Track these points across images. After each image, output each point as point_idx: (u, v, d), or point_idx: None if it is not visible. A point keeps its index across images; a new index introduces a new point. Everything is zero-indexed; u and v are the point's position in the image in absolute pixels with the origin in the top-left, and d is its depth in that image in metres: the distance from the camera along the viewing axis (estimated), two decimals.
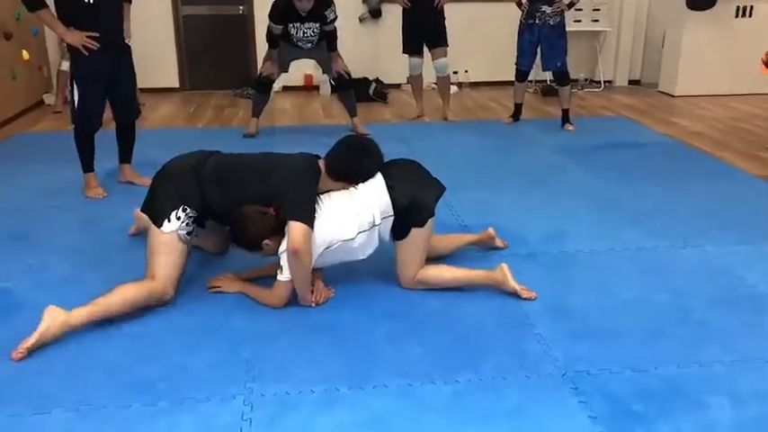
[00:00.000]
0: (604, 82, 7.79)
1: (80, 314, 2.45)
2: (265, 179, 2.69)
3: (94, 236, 3.41)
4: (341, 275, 2.87)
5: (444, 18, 5.84)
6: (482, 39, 7.56)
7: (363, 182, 2.76)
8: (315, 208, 2.63)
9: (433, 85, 6.68)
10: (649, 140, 5.43)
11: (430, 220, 2.77)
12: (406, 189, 2.73)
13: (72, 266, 3.04)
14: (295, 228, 2.54)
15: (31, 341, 2.34)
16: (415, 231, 2.73)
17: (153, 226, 2.68)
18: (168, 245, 2.65)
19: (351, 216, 2.67)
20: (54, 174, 4.39)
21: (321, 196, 2.73)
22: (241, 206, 2.64)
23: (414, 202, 2.72)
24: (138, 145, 4.29)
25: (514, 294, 2.75)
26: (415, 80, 6.15)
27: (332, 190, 2.76)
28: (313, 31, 5.20)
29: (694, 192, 4.10)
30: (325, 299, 2.74)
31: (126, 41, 4.01)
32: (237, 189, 2.69)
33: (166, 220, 2.65)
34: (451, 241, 3.15)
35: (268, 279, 2.74)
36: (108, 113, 4.03)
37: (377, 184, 2.74)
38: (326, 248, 2.66)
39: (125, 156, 4.24)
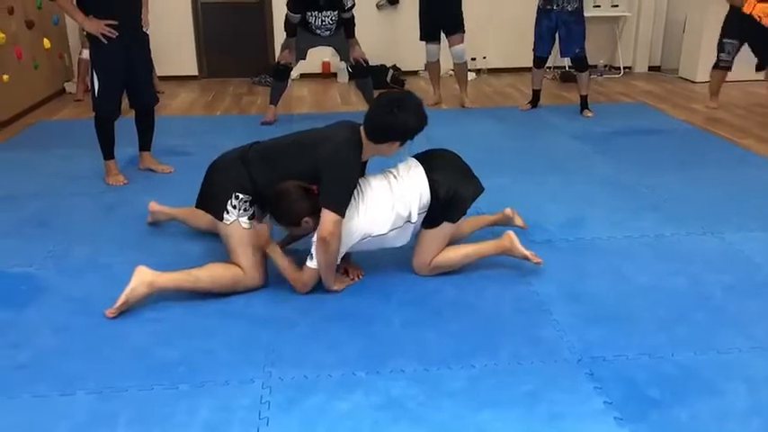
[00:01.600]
0: (624, 68, 7.71)
1: (168, 278, 2.56)
2: (308, 154, 2.64)
3: (115, 222, 3.46)
4: (359, 262, 2.89)
5: (461, 4, 5.81)
6: (500, 25, 7.51)
7: (405, 139, 2.66)
8: (350, 195, 2.60)
9: (451, 72, 6.65)
10: (669, 127, 5.38)
11: (462, 218, 2.79)
12: (449, 183, 2.70)
13: (94, 251, 3.09)
14: (327, 216, 2.53)
15: (120, 301, 2.47)
16: (445, 225, 2.74)
17: (216, 221, 2.70)
18: (236, 237, 2.67)
19: (387, 212, 2.66)
20: (75, 161, 4.45)
21: (361, 182, 2.70)
22: (284, 181, 2.60)
23: (454, 197, 2.70)
24: (158, 132, 4.33)
25: (525, 259, 2.78)
26: (432, 67, 6.14)
27: (380, 154, 2.71)
28: (331, 19, 5.20)
29: (714, 178, 4.06)
30: (351, 281, 2.79)
31: (144, 30, 4.04)
32: (282, 165, 2.65)
33: (225, 212, 2.66)
34: (472, 225, 3.14)
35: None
36: (126, 101, 4.07)
37: (418, 176, 2.71)
38: (360, 240, 2.67)
39: (145, 143, 4.28)
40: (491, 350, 2.32)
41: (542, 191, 3.87)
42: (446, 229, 2.76)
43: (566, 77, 7.19)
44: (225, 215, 2.67)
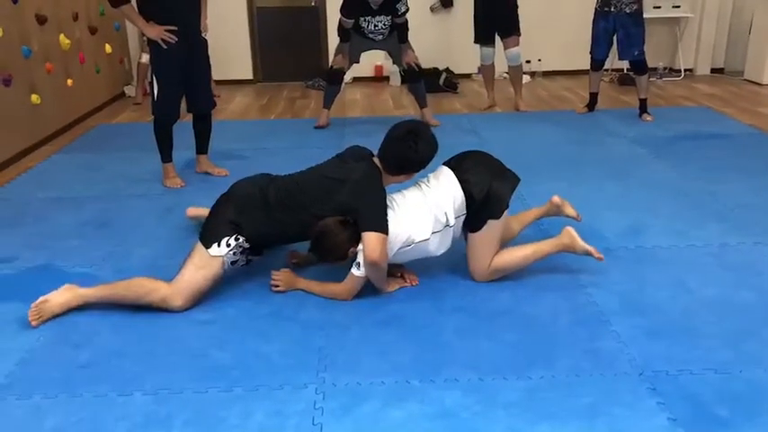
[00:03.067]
0: (685, 70, 7.48)
1: (91, 289, 2.64)
2: (332, 196, 2.63)
3: (172, 224, 3.52)
4: (411, 268, 2.86)
5: (517, 6, 5.73)
6: (556, 27, 7.38)
7: (421, 168, 2.71)
8: (386, 215, 2.60)
9: (505, 75, 6.57)
10: (733, 131, 5.18)
11: (505, 212, 2.73)
12: (481, 181, 2.68)
13: (151, 253, 3.15)
14: (370, 238, 2.53)
15: (37, 301, 2.57)
16: (491, 223, 2.69)
17: (200, 243, 2.65)
18: (208, 263, 2.61)
19: (425, 216, 2.65)
20: (135, 163, 4.55)
21: (394, 196, 2.71)
22: (317, 221, 2.60)
23: (490, 193, 2.67)
24: (214, 136, 4.39)
25: (587, 254, 2.72)
26: (486, 70, 6.07)
27: (396, 182, 2.76)
28: (384, 24, 5.19)
29: None
30: (405, 284, 2.80)
31: (203, 35, 4.10)
32: (308, 209, 2.64)
33: (216, 244, 2.62)
34: (521, 220, 3.08)
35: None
36: (184, 105, 4.14)
37: (449, 180, 2.70)
38: (402, 248, 2.65)
39: (202, 146, 4.35)
40: (548, 361, 2.26)
41: (600, 197, 3.77)
42: (493, 228, 2.71)
43: (624, 80, 7.02)
44: (213, 246, 2.61)
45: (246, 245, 2.67)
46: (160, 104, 3.98)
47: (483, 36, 5.84)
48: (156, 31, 3.82)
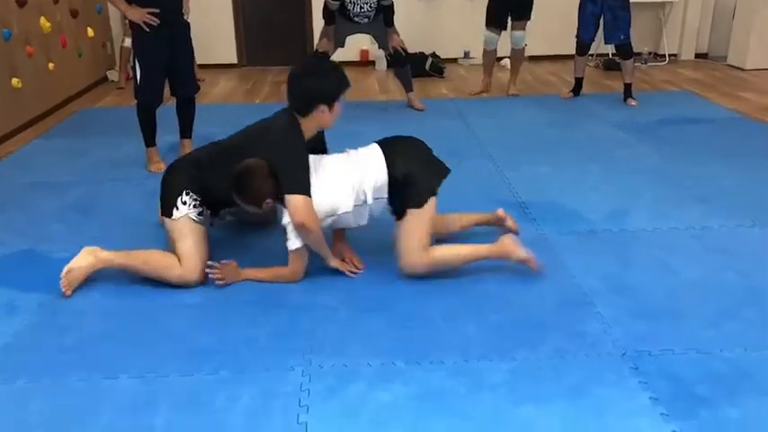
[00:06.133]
0: (669, 55, 7.50)
1: (110, 252, 2.69)
2: (258, 148, 2.63)
3: (155, 209, 3.48)
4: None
5: None
6: (541, 12, 7.29)
7: (330, 99, 2.62)
8: (308, 174, 2.56)
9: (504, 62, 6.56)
10: (716, 116, 5.22)
11: (431, 202, 2.64)
12: (406, 167, 2.63)
13: (134, 238, 3.12)
14: (294, 201, 2.51)
15: (65, 269, 2.61)
16: (413, 212, 2.61)
17: (166, 219, 2.73)
18: (183, 228, 2.68)
19: (348, 187, 2.60)
20: (117, 148, 4.51)
21: (321, 161, 2.66)
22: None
23: (411, 180, 2.61)
24: (198, 120, 4.35)
25: (524, 263, 2.66)
26: (488, 55, 6.06)
27: (320, 126, 2.72)
28: (370, 6, 5.16)
29: (764, 169, 3.93)
30: (356, 266, 2.75)
31: (185, 18, 4.06)
32: (232, 166, 2.63)
33: (175, 209, 2.69)
34: (460, 221, 2.99)
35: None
36: (167, 89, 4.10)
37: (376, 159, 2.65)
38: (324, 218, 2.61)
39: (185, 131, 4.31)
40: (533, 343, 2.28)
41: (585, 180, 3.79)
42: (416, 217, 2.61)
43: (609, 65, 7.04)
44: (174, 211, 2.70)
45: (196, 196, 2.72)
46: (143, 89, 3.94)
47: (496, 18, 5.80)
48: (139, 14, 3.78)
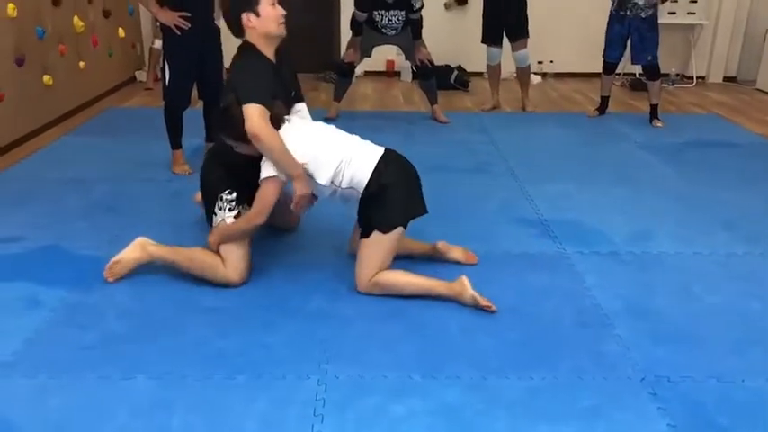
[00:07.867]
0: (697, 78, 7.45)
1: (158, 246, 2.77)
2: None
3: (178, 210, 3.52)
4: (414, 265, 2.86)
5: (526, 7, 5.71)
6: (569, 28, 7.36)
7: (247, 6, 2.65)
8: (265, 88, 2.56)
9: (513, 75, 6.55)
10: (744, 141, 5.16)
11: (397, 231, 2.60)
12: (389, 183, 2.57)
13: (156, 238, 3.11)
14: (248, 110, 2.49)
15: (113, 259, 2.72)
16: (377, 235, 2.58)
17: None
18: (224, 234, 2.72)
19: (334, 162, 2.57)
20: (143, 148, 4.56)
21: (326, 128, 2.73)
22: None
23: (385, 195, 2.57)
24: None
25: (474, 305, 2.55)
26: (492, 71, 6.05)
27: (268, 32, 2.72)
28: (398, 19, 5.18)
29: None
30: (307, 205, 2.73)
31: (215, 23, 4.10)
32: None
33: (213, 215, 2.78)
34: (403, 245, 2.81)
35: None
36: (195, 92, 4.13)
37: (371, 157, 2.61)
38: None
39: (211, 135, 4.34)
40: (551, 362, 2.26)
41: (608, 201, 3.77)
42: (379, 240, 2.58)
43: (635, 85, 7.00)
44: (213, 219, 2.78)
45: (230, 196, 2.75)
46: (171, 91, 3.98)
47: (491, 36, 5.81)
48: (170, 17, 3.82)
